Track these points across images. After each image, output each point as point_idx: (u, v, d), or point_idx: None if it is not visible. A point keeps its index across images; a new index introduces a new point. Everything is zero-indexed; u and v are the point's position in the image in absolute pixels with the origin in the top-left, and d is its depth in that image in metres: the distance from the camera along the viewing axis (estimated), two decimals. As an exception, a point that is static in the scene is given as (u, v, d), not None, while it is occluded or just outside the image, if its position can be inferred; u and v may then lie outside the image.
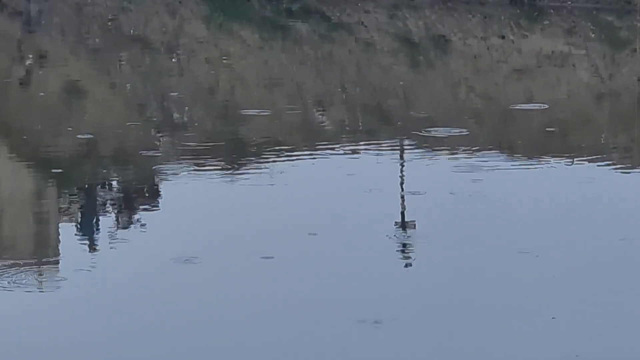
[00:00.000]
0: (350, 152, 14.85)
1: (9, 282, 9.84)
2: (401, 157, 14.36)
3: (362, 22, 24.48)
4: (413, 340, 8.01)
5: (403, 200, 12.80)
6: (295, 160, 14.36)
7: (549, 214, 11.84)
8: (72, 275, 9.99)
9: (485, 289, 9.03)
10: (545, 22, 23.81)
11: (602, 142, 16.13)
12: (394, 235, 10.93)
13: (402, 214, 12.36)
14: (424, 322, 8.86)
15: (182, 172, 14.03)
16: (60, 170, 14.14)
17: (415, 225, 11.82)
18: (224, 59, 22.20)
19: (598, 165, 14.48)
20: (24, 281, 9.96)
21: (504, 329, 8.14)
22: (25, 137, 16.38)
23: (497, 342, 7.91)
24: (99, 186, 14.16)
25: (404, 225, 11.63)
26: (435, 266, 10.75)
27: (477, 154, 14.47)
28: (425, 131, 14.89)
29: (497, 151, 14.82)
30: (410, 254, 10.44)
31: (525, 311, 8.56)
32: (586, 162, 14.48)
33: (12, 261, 10.51)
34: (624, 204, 12.42)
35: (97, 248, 10.92)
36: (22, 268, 10.34)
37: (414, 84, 20.33)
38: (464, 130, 15.39)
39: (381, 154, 14.68)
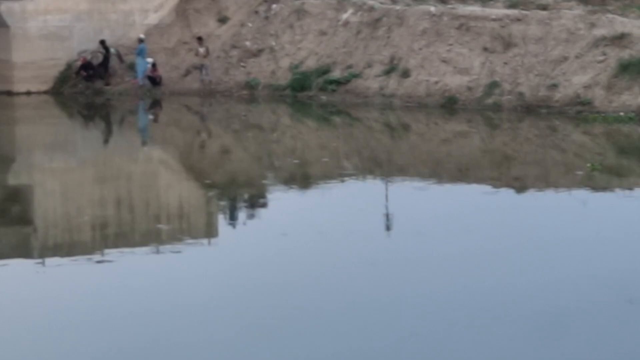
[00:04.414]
0: (367, 179, 22.14)
1: (189, 249, 16.31)
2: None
3: (367, 118, 30.75)
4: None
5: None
6: (332, 182, 21.62)
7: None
8: (228, 245, 16.33)
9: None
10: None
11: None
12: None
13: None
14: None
15: (282, 192, 20.74)
16: (219, 189, 21.24)
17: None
18: (299, 134, 29.45)
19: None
20: (198, 249, 16.33)
21: None
22: (208, 173, 23.91)
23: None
24: (239, 197, 20.64)
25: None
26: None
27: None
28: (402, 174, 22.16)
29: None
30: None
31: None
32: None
33: (190, 239, 16.64)
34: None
35: (236, 229, 17.46)
36: (195, 241, 16.53)
37: (392, 147, 26.67)
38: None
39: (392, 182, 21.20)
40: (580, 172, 21.27)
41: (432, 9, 34.35)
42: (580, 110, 28.31)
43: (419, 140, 27.36)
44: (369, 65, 33.45)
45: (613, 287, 13.02)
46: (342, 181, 21.58)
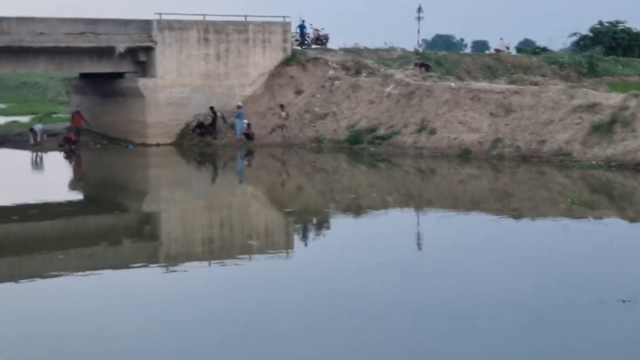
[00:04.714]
0: (403, 209, 22.23)
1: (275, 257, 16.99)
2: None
3: (403, 164, 29.86)
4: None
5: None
6: (378, 211, 21.99)
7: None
8: (301, 256, 16.50)
9: None
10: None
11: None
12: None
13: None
14: None
15: (340, 218, 20.83)
16: (295, 215, 21.09)
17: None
18: (354, 176, 28.62)
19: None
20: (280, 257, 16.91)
21: None
22: (287, 203, 23.36)
23: None
24: (309, 221, 20.56)
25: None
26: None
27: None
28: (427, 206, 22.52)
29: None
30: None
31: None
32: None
33: (273, 251, 16.79)
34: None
35: (307, 245, 17.49)
36: (277, 253, 17.06)
37: (422, 185, 26.36)
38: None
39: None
40: (562, 205, 21.14)
41: (452, 84, 34.58)
42: (562, 160, 28.36)
43: (442, 181, 27.04)
44: (406, 126, 33.51)
45: (602, 286, 13.24)
46: (386, 211, 21.64)
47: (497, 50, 51.08)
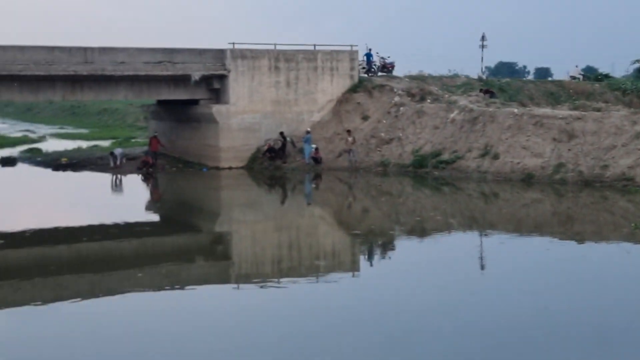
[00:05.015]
0: (466, 232, 22.22)
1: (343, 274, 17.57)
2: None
3: (467, 188, 29.39)
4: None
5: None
6: (442, 234, 21.64)
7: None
8: (368, 277, 16.45)
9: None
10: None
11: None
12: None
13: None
14: None
15: (405, 240, 20.66)
16: (360, 237, 20.93)
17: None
18: (418, 199, 28.32)
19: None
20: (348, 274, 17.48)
21: None
22: (353, 225, 23.17)
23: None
24: (374, 243, 20.23)
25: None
26: None
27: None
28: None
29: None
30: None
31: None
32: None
33: (340, 272, 17.31)
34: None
35: (373, 266, 17.41)
36: (343, 274, 17.53)
37: (485, 209, 25.93)
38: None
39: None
40: (625, 230, 20.77)
41: (516, 110, 34.26)
42: (625, 184, 27.77)
43: (505, 205, 26.53)
44: (469, 150, 33.26)
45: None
46: (449, 233, 21.36)
47: (573, 77, 50.65)
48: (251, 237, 21.40)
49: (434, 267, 16.61)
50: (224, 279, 16.32)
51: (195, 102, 37.53)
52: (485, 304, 13.52)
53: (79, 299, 14.18)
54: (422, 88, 39.80)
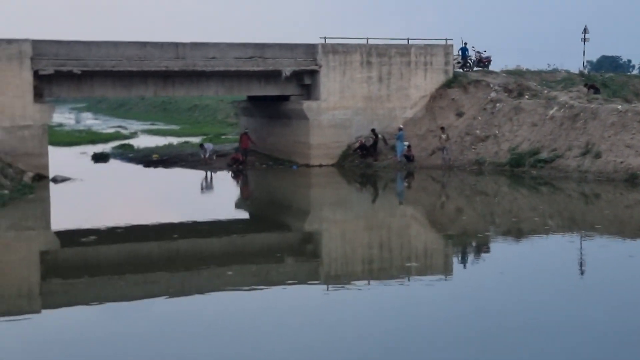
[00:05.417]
0: (565, 234, 21.85)
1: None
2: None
3: (566, 188, 29.07)
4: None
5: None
6: (539, 235, 21.25)
7: None
8: (460, 280, 17.70)
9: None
10: None
11: None
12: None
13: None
14: None
15: (500, 242, 20.39)
16: (454, 238, 20.81)
17: None
18: (515, 199, 27.97)
19: None
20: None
21: None
22: (446, 225, 22.99)
23: None
24: (468, 244, 20.26)
25: None
26: None
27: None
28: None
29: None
30: None
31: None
32: None
33: (432, 275, 16.97)
34: None
35: (466, 268, 17.57)
36: (436, 277, 17.20)
37: (585, 210, 25.36)
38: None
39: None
40: None
41: (619, 106, 33.61)
42: None
43: (607, 206, 25.91)
44: (569, 149, 32.80)
45: None
46: (547, 235, 20.95)
47: None
48: (341, 236, 21.42)
49: (530, 270, 16.36)
50: (313, 279, 16.40)
51: (285, 98, 37.99)
52: (582, 309, 13.35)
53: (168, 296, 14.47)
54: (519, 83, 39.50)
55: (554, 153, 32.90)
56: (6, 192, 26.28)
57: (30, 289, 15.43)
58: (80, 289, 15.33)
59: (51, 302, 14.31)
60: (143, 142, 49.59)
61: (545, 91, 38.19)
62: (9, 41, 31.90)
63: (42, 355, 11.03)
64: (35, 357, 10.98)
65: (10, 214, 24.30)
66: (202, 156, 37.96)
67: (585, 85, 39.62)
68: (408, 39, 39.06)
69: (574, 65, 57.42)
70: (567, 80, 43.14)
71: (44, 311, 13.79)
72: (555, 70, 47.21)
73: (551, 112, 35.22)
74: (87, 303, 14.11)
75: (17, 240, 20.60)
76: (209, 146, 38.90)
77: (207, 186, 33.58)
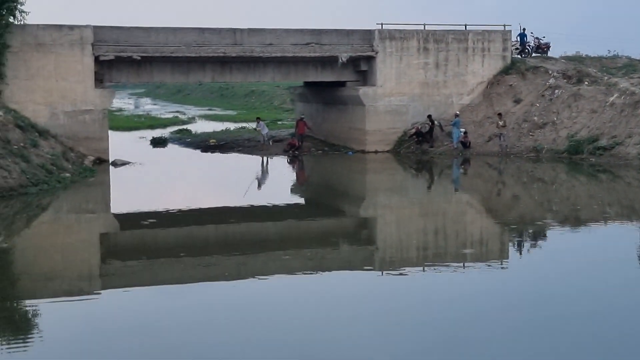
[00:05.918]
0: (624, 222, 21.62)
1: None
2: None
3: (626, 176, 28.54)
4: None
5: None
6: (597, 224, 21.22)
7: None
8: (516, 266, 17.31)
9: None
10: None
11: None
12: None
13: None
14: None
15: (557, 230, 20.25)
16: (510, 225, 21.00)
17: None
18: (573, 187, 27.49)
19: None
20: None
21: None
22: (502, 212, 22.83)
23: None
24: (524, 231, 20.29)
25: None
26: None
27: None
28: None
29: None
30: None
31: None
32: None
33: (488, 261, 17.58)
34: None
35: (522, 255, 16.96)
36: (491, 263, 17.68)
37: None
38: None
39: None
40: None
41: (683, 93, 32.64)
42: None
43: (669, 195, 25.37)
44: (630, 136, 32.37)
45: None
46: (606, 224, 20.67)
47: None
48: (396, 222, 21.38)
49: (587, 259, 16.11)
50: (368, 264, 16.34)
51: (341, 84, 38.03)
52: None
53: (225, 280, 14.58)
54: (579, 70, 39.10)
55: (613, 140, 32.49)
56: (68, 175, 26.76)
57: (91, 270, 15.71)
58: (138, 271, 15.57)
59: (110, 283, 14.53)
60: (200, 127, 50.34)
61: (606, 77, 37.79)
62: (71, 27, 32.43)
63: (102, 335, 11.17)
64: (95, 337, 11.10)
65: (71, 197, 24.86)
66: (261, 136, 38.39)
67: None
68: (465, 25, 38.99)
69: (636, 51, 56.06)
70: (628, 67, 42.57)
71: (103, 292, 14.04)
72: (616, 57, 46.51)
73: (611, 98, 34.72)
74: (145, 285, 14.35)
75: (78, 223, 21.03)
76: (265, 130, 38.91)
77: (264, 171, 33.85)
